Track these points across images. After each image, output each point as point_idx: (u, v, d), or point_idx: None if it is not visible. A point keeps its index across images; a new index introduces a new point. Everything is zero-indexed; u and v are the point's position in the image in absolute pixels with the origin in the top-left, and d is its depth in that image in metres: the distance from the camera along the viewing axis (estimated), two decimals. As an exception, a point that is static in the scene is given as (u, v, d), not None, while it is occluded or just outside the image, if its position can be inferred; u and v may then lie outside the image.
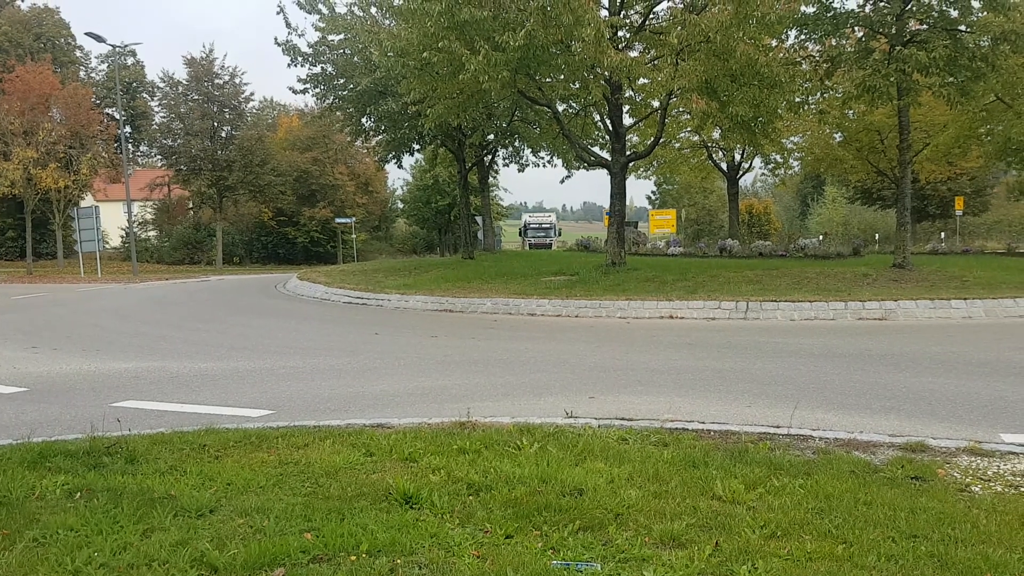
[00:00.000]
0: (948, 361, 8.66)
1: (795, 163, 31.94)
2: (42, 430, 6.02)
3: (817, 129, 24.61)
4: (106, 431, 5.47)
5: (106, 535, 3.65)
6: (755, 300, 13.30)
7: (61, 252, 42.42)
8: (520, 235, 56.03)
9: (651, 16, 16.87)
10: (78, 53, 52.84)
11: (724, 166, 31.44)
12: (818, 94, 18.06)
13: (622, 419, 5.79)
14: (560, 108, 19.72)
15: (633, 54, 16.77)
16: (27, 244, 40.88)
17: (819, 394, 6.86)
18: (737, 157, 30.64)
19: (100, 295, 22.88)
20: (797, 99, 16.87)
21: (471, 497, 4.13)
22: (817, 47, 16.97)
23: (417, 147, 26.65)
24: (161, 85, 46.00)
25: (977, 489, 4.21)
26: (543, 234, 53.90)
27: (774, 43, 16.79)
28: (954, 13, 15.27)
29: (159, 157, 48.72)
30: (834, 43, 16.62)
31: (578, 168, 25.84)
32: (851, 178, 35.73)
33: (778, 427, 5.54)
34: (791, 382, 7.43)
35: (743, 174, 32.12)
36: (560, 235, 57.00)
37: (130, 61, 53.49)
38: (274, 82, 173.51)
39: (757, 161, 31.14)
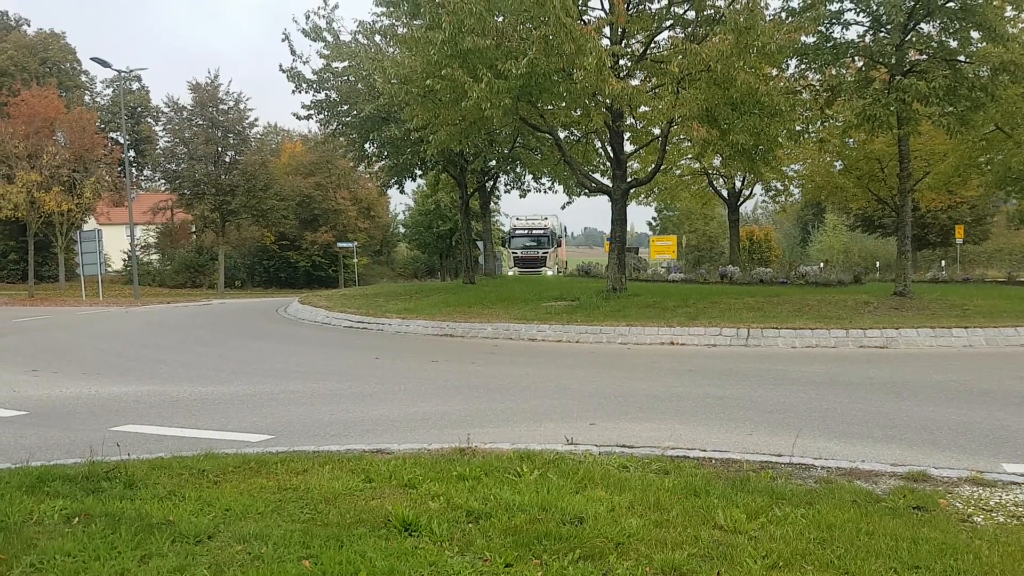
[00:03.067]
0: (950, 390, 8.63)
1: (796, 191, 32.04)
2: (41, 454, 6.00)
3: (818, 157, 24.74)
4: (105, 455, 5.46)
5: (104, 561, 3.64)
6: (756, 327, 13.28)
7: (63, 275, 42.47)
8: (504, 246, 44.68)
9: (652, 45, 17.03)
10: (83, 78, 53.35)
11: (725, 193, 31.54)
12: (818, 123, 18.16)
13: (623, 446, 5.77)
14: (562, 135, 19.85)
15: (634, 82, 16.93)
16: (29, 267, 40.92)
17: (821, 422, 6.84)
18: (738, 184, 30.74)
19: (101, 318, 22.88)
20: (798, 128, 16.96)
21: (470, 525, 4.11)
22: (817, 76, 17.10)
23: (419, 172, 26.80)
24: (166, 110, 46.38)
25: (979, 520, 4.19)
26: (534, 250, 41.29)
27: (775, 72, 16.93)
28: (954, 44, 15.41)
29: (163, 181, 48.96)
30: (834, 72, 16.75)
31: (579, 194, 25.96)
32: (852, 206, 35.85)
33: (780, 456, 5.52)
34: (793, 410, 7.41)
35: (744, 201, 32.22)
36: (560, 247, 45.47)
37: (135, 86, 53.94)
38: (278, 107, 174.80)
39: (758, 188, 31.25)
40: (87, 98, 51.41)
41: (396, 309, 18.14)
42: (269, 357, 13.05)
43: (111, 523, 4.13)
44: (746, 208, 48.24)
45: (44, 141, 37.22)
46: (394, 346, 14.20)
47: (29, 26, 53.61)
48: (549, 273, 39.34)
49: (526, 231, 42.25)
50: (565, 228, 49.70)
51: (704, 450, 5.70)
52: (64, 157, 37.75)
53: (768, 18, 14.20)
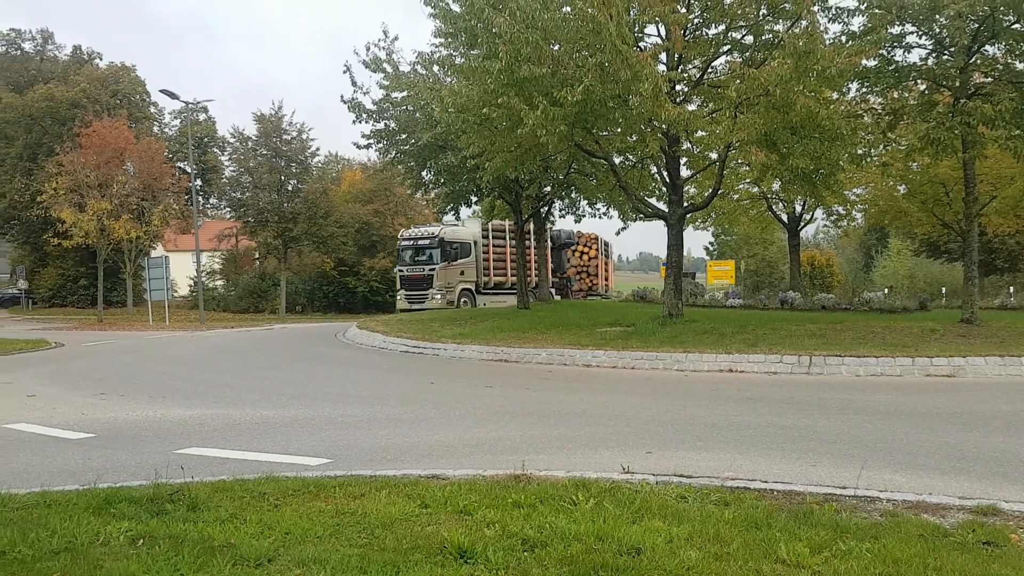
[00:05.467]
0: (1020, 421, 8.31)
1: (858, 215, 31.35)
2: (108, 476, 6.17)
3: (880, 181, 24.17)
4: (170, 478, 5.59)
5: (167, 582, 3.72)
6: (818, 354, 12.98)
7: (131, 300, 43.86)
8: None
9: (709, 70, 16.94)
10: (152, 109, 55.20)
11: (785, 217, 31.02)
12: (881, 146, 17.79)
13: (681, 476, 5.68)
14: (617, 160, 19.82)
15: (691, 107, 16.84)
16: (98, 292, 42.37)
17: (886, 453, 6.63)
18: (798, 208, 30.21)
19: (167, 343, 23.52)
20: (859, 151, 16.64)
21: (526, 553, 4.09)
22: (879, 100, 16.77)
23: (475, 199, 27.04)
24: (231, 140, 47.79)
25: (1057, 558, 4.01)
26: (420, 268, 31.42)
27: (835, 96, 16.68)
28: (1020, 65, 14.98)
29: (228, 209, 50.35)
30: (897, 96, 16.42)
31: (634, 220, 25.81)
32: (916, 231, 34.85)
33: (844, 488, 5.37)
34: (857, 440, 7.20)
35: (804, 225, 31.62)
36: (464, 260, 32.11)
37: (202, 117, 55.63)
38: (338, 137, 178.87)
39: (819, 212, 30.64)
40: (156, 129, 53.17)
41: (451, 334, 18.25)
42: (328, 381, 13.24)
43: (174, 545, 4.22)
44: (807, 233, 47.36)
45: (114, 170, 38.64)
46: (449, 371, 14.27)
47: (101, 59, 55.83)
48: (437, 299, 30.78)
49: (411, 243, 32.49)
50: (559, 233, 37.79)
51: (765, 481, 5.58)
52: (133, 186, 39.14)
53: (828, 42, 14.02)
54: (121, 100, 50.30)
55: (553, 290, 36.61)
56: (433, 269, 31.38)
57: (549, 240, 35.86)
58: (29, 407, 10.78)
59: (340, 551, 4.12)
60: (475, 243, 33.19)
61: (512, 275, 33.70)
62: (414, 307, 31.13)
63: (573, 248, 39.92)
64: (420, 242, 32.10)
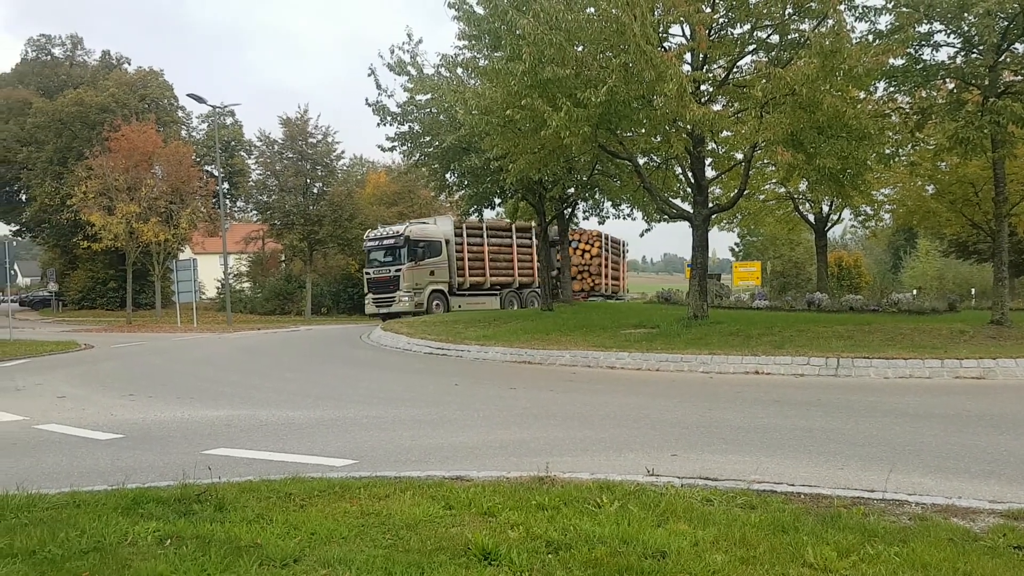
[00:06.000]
0: (1056, 424, 8.15)
1: (886, 215, 30.99)
2: (136, 476, 6.25)
3: (908, 181, 23.91)
4: (197, 478, 5.65)
5: (194, 582, 3.75)
6: (846, 356, 12.84)
7: (159, 302, 44.41)
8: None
9: (735, 70, 16.83)
10: (180, 113, 55.85)
11: (811, 218, 30.73)
12: (908, 146, 17.57)
13: (706, 479, 5.64)
14: (641, 161, 19.75)
15: (716, 107, 16.73)
16: (127, 294, 42.97)
17: (915, 456, 6.55)
18: (825, 209, 29.91)
19: (195, 344, 23.78)
20: (887, 151, 16.44)
21: (550, 555, 4.09)
22: (907, 99, 16.57)
23: (498, 201, 27.07)
24: (258, 144, 48.23)
25: (1093, 564, 3.93)
26: (386, 269, 30.18)
27: (862, 95, 16.50)
28: (1052, 63, 14.75)
29: (254, 212, 50.80)
30: (924, 95, 16.21)
31: (659, 221, 25.70)
32: (945, 231, 34.38)
33: (872, 491, 5.30)
34: (885, 443, 7.11)
35: (831, 226, 31.31)
36: (435, 259, 30.71)
37: (229, 121, 56.20)
38: (362, 139, 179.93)
39: (846, 213, 30.32)
40: (183, 133, 53.78)
41: (475, 336, 18.28)
42: (353, 383, 13.31)
43: (201, 545, 4.26)
44: (834, 233, 46.78)
45: (143, 174, 39.17)
46: (473, 372, 14.29)
47: (129, 64, 56.64)
48: (404, 302, 29.35)
49: (376, 243, 31.30)
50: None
51: (792, 484, 5.52)
52: (161, 189, 39.65)
53: (855, 41, 13.88)
54: (149, 104, 50.92)
55: (540, 290, 35.00)
56: (399, 270, 29.87)
57: (535, 237, 34.29)
58: (59, 408, 10.95)
59: (365, 552, 4.14)
60: (447, 242, 31.45)
61: (491, 275, 32.72)
62: (381, 311, 29.96)
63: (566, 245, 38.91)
64: (385, 241, 30.80)
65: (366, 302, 31.76)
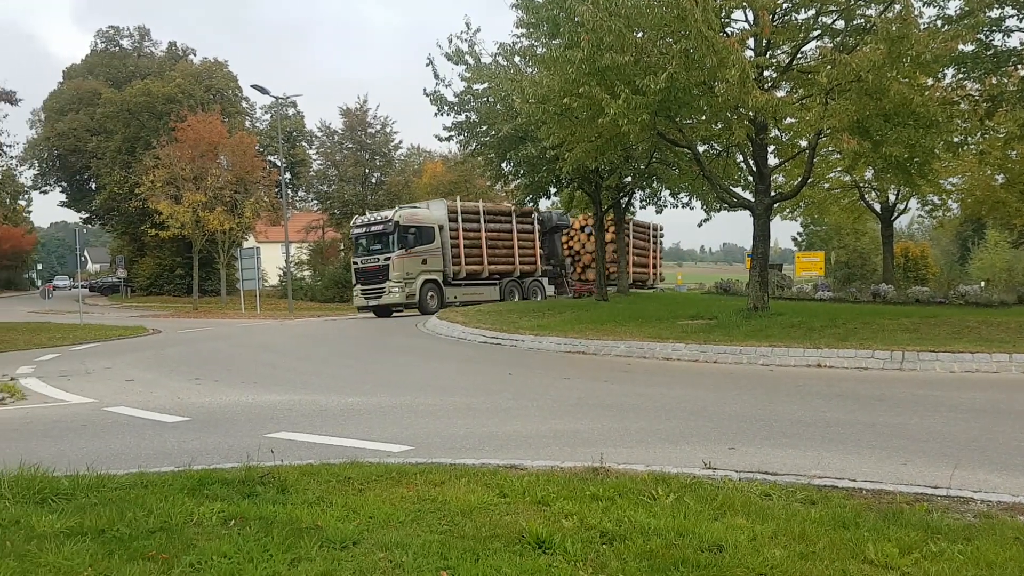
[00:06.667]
0: None
1: (954, 205, 30.09)
2: (202, 458, 6.43)
3: (978, 170, 23.19)
4: (260, 461, 5.79)
5: (256, 563, 3.85)
6: (911, 350, 12.47)
7: (224, 289, 45.54)
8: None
9: (798, 56, 16.46)
10: (244, 104, 57.05)
11: (877, 207, 29.96)
12: (978, 134, 16.99)
13: (765, 473, 5.55)
14: (701, 149, 19.48)
15: (779, 94, 16.39)
16: (194, 281, 44.18)
17: (981, 453, 6.34)
18: (891, 198, 29.13)
19: (258, 331, 24.34)
20: (955, 139, 15.94)
21: (604, 546, 4.07)
22: (977, 86, 16.03)
23: (554, 190, 26.99)
24: (319, 134, 49.00)
25: None
26: (374, 259, 28.23)
27: (930, 82, 16.00)
28: None
29: (315, 202, 51.71)
30: (995, 82, 15.65)
31: (718, 210, 25.32)
32: (1015, 221, 33.22)
33: (936, 488, 5.15)
34: (950, 439, 6.90)
35: (898, 216, 30.51)
36: (426, 246, 28.55)
37: (291, 112, 57.23)
38: (419, 129, 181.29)
39: (913, 202, 29.54)
40: (247, 123, 54.91)
41: (529, 325, 18.29)
42: (409, 370, 13.47)
43: (264, 526, 4.37)
44: (901, 223, 45.49)
45: (208, 164, 40.17)
46: (527, 362, 14.32)
47: (195, 55, 58.04)
48: (395, 293, 27.52)
49: (363, 230, 29.16)
50: (549, 214, 33.79)
51: (854, 480, 5.40)
52: (226, 179, 40.61)
53: (923, 26, 13.45)
54: (214, 95, 52.11)
55: (544, 280, 33.39)
56: (389, 258, 27.71)
57: (537, 223, 33.11)
58: (128, 391, 11.33)
59: (421, 537, 4.19)
60: (440, 228, 29.44)
61: (490, 264, 30.72)
62: (371, 303, 28.40)
63: (568, 231, 35.79)
64: (373, 228, 28.64)
65: (354, 294, 29.95)
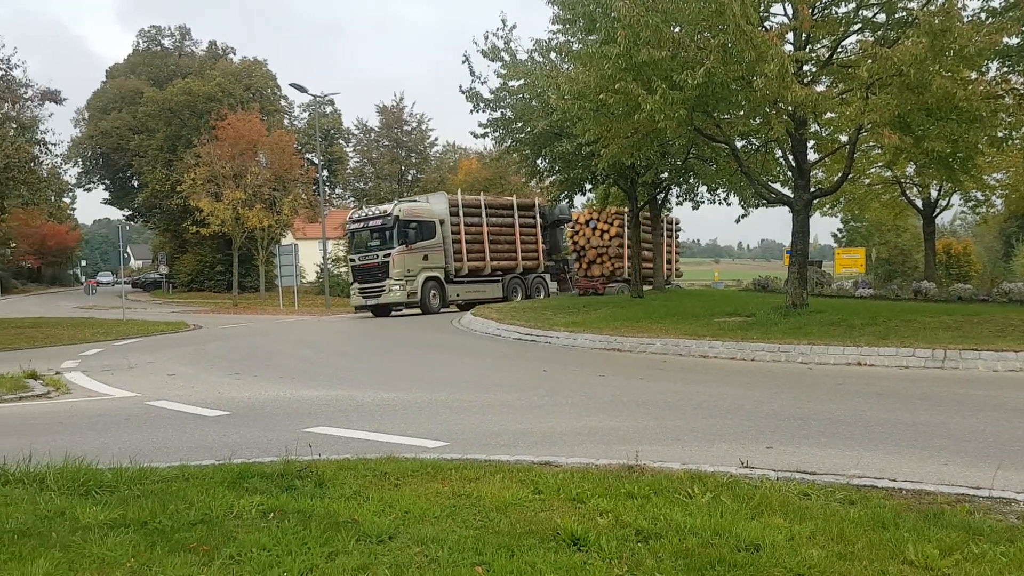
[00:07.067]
0: None
1: (998, 201, 29.41)
2: (241, 452, 6.53)
3: (1022, 165, 22.60)
4: (298, 455, 5.87)
5: (295, 556, 3.90)
6: (953, 348, 12.23)
7: (263, 285, 46.15)
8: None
9: (839, 50, 16.21)
10: (283, 102, 57.71)
11: (919, 203, 29.42)
12: (1023, 129, 16.59)
13: (803, 472, 5.49)
14: (739, 144, 19.26)
15: (819, 88, 16.15)
16: (233, 278, 44.82)
17: (1027, 454, 6.20)
18: (934, 194, 28.59)
19: (296, 326, 24.63)
20: (999, 134, 15.54)
21: (640, 544, 4.06)
22: (1022, 79, 15.63)
23: (589, 187, 26.91)
24: (355, 132, 49.40)
25: None
26: (373, 255, 26.90)
27: (973, 75, 15.66)
28: None
29: (352, 199, 52.13)
30: (1041, 75, 15.28)
31: (756, 206, 25.03)
32: (1061, 218, 32.40)
33: (978, 488, 5.05)
34: (993, 439, 6.76)
35: (940, 212, 29.91)
36: (433, 241, 27.41)
37: (328, 110, 57.80)
38: (454, 126, 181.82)
39: (956, 198, 28.92)
40: (286, 121, 55.57)
41: (563, 322, 18.26)
42: (444, 367, 13.54)
43: (302, 520, 4.43)
44: (943, 219, 44.38)
45: (248, 162, 40.72)
46: (561, 359, 14.30)
47: (234, 54, 58.86)
48: (395, 291, 26.23)
49: (361, 225, 27.72)
50: (550, 208, 32.28)
51: (894, 480, 5.32)
52: (265, 177, 41.13)
53: (966, 19, 13.16)
54: (254, 94, 52.79)
55: (547, 276, 32.09)
56: (388, 255, 26.26)
57: (539, 216, 31.64)
58: (170, 385, 11.55)
59: (457, 532, 4.22)
60: (441, 222, 27.97)
61: (492, 260, 29.30)
62: (369, 302, 27.10)
63: (572, 225, 34.01)
64: (372, 223, 27.18)
65: (351, 293, 28.45)
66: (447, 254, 28.13)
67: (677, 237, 38.38)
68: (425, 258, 27.16)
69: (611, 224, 32.58)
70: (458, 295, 28.26)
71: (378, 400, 9.58)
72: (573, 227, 33.98)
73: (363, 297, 27.35)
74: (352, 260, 28.15)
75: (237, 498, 4.88)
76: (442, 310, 27.45)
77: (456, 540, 4.06)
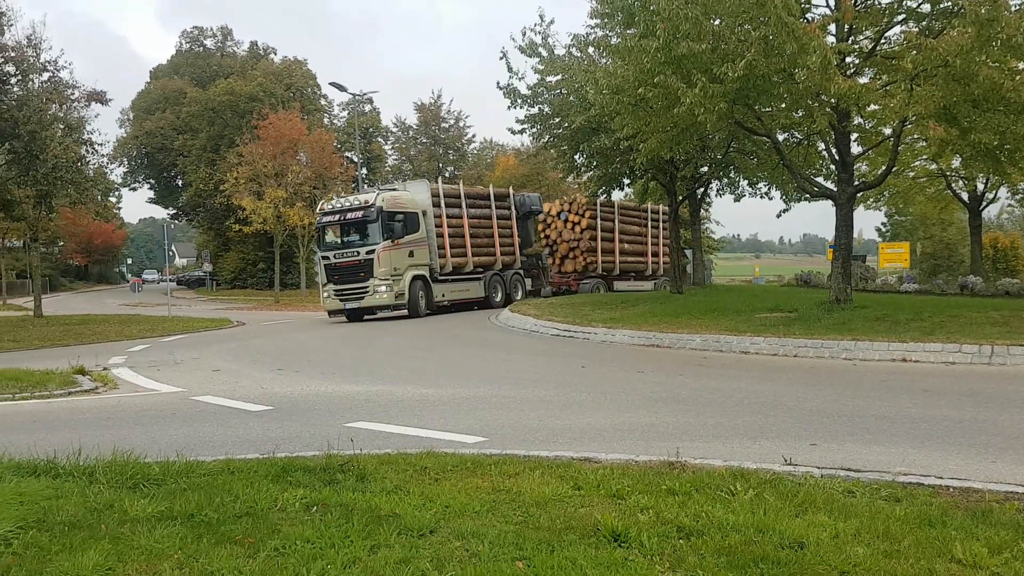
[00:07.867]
0: None
1: (1048, 194, 28.65)
2: (285, 446, 6.63)
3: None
4: (340, 449, 5.93)
5: (338, 549, 3.95)
6: (1001, 344, 11.94)
7: (304, 282, 46.70)
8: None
9: (882, 41, 15.91)
10: (323, 101, 58.32)
11: (965, 196, 28.81)
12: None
13: (847, 470, 5.41)
14: (781, 138, 19.02)
15: (862, 80, 15.88)
16: (275, 275, 45.40)
17: (1081, 453, 6.04)
18: (980, 187, 27.97)
19: (336, 323, 24.85)
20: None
21: (681, 541, 4.04)
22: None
23: (627, 182, 26.75)
24: (394, 130, 49.72)
25: None
26: (352, 252, 23.74)
27: (1021, 66, 15.27)
28: None
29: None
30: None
31: (798, 200, 24.69)
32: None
33: (1028, 486, 4.94)
34: (1045, 437, 6.60)
35: (987, 205, 29.32)
36: (419, 233, 24.57)
37: (367, 108, 58.28)
38: (490, 122, 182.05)
39: (1003, 191, 28.28)
40: (325, 120, 56.14)
41: (601, 318, 18.20)
42: (482, 362, 13.58)
43: (344, 513, 4.48)
44: (990, 213, 43.51)
45: (289, 161, 41.21)
46: (599, 355, 14.25)
47: (275, 54, 59.62)
48: (382, 292, 23.24)
49: (336, 218, 24.16)
50: (523, 198, 30.21)
51: (940, 477, 5.22)
52: (306, 175, 41.61)
53: (1014, 8, 12.82)
54: (294, 93, 53.42)
55: (522, 271, 29.60)
56: (372, 252, 23.16)
57: (513, 208, 29.31)
58: (214, 381, 11.76)
59: (497, 527, 4.24)
60: (424, 213, 25.01)
61: (474, 255, 26.80)
62: (348, 306, 23.76)
63: (544, 218, 31.98)
64: (350, 215, 23.72)
65: (323, 295, 25.23)
66: (431, 249, 25.33)
67: (664, 229, 33.89)
68: (411, 255, 24.37)
69: (582, 216, 30.80)
70: (443, 296, 25.75)
71: (417, 396, 9.65)
72: (544, 219, 31.96)
73: (340, 300, 24.15)
74: (325, 258, 24.62)
75: (281, 491, 4.95)
76: (425, 313, 24.88)
77: (496, 535, 4.08)
